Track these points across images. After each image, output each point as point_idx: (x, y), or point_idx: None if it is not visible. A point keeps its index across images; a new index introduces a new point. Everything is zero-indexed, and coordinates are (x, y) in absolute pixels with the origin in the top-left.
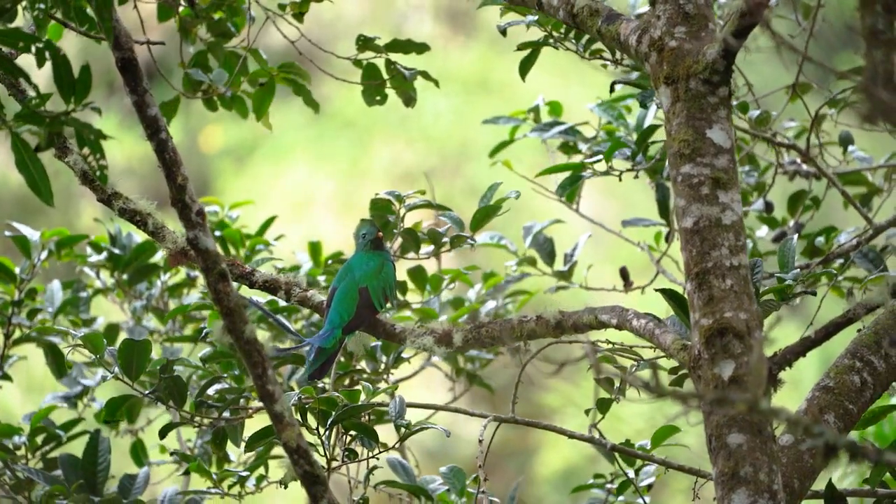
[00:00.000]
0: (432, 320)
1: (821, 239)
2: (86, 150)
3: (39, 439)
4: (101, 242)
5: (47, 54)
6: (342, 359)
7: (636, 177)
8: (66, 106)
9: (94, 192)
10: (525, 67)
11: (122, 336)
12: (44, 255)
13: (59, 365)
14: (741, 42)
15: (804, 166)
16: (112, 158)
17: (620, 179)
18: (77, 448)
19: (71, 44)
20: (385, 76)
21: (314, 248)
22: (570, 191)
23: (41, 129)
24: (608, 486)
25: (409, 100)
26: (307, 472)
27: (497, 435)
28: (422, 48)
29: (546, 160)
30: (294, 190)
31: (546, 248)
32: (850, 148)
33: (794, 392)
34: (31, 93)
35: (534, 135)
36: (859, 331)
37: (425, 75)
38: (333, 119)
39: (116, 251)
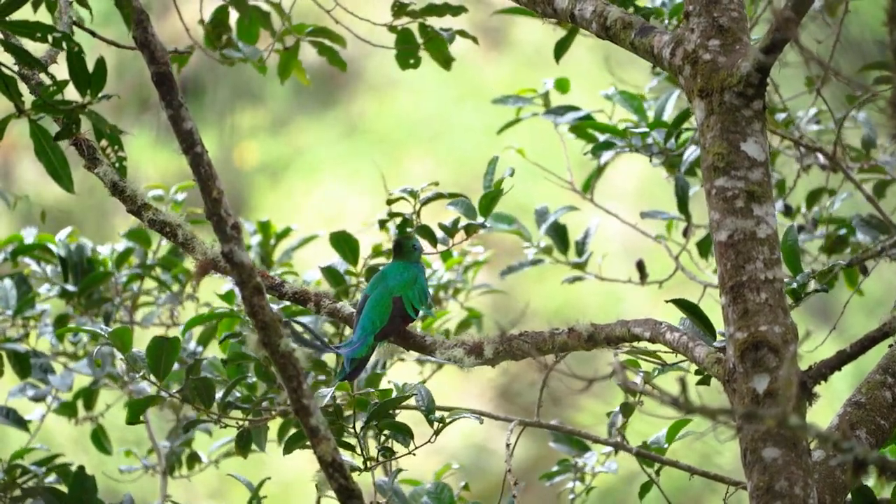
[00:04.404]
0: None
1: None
2: (104, 143)
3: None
4: (50, 258)
5: (64, 44)
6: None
7: (663, 162)
8: (81, 99)
9: (124, 204)
10: (560, 50)
11: (72, 323)
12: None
13: (22, 367)
14: (773, 58)
15: (821, 159)
16: (146, 174)
17: (651, 160)
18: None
19: (106, 60)
20: (419, 40)
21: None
22: (586, 181)
23: (61, 118)
24: (575, 460)
25: (447, 61)
26: (342, 486)
27: (532, 452)
28: (458, 10)
29: (558, 147)
30: (327, 205)
31: (560, 235)
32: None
33: (830, 406)
34: (48, 82)
35: (548, 118)
36: (891, 346)
37: (463, 34)
38: (366, 135)
39: (69, 287)
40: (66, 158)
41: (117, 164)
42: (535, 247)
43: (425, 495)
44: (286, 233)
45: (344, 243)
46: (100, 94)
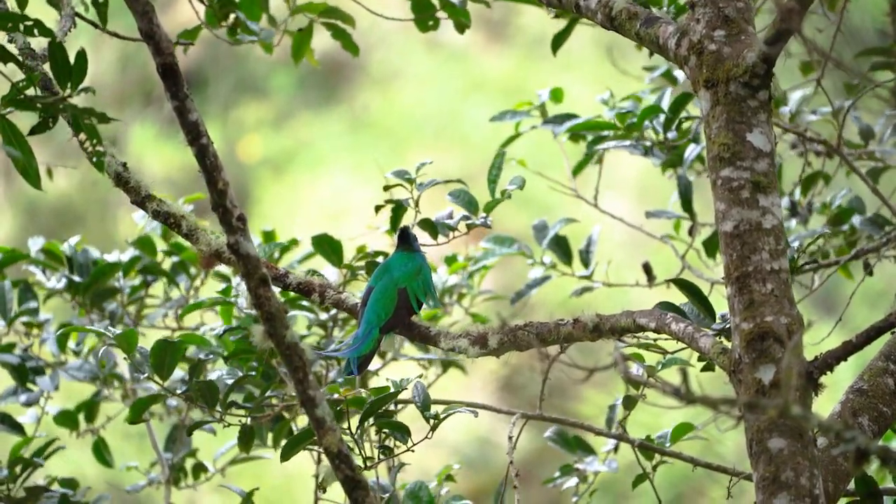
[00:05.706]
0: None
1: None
2: (83, 136)
3: (18, 468)
4: (57, 264)
5: (36, 32)
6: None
7: (667, 152)
8: (62, 92)
9: (129, 195)
10: (558, 42)
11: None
12: None
13: (21, 376)
14: (778, 48)
15: (816, 146)
16: (150, 168)
17: (652, 150)
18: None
19: (108, 54)
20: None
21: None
22: (583, 162)
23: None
24: (577, 465)
25: (462, 27)
26: (348, 477)
27: (535, 446)
28: None
29: (558, 154)
30: (331, 198)
31: (561, 247)
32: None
33: (833, 394)
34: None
35: (546, 127)
36: (893, 333)
37: None
38: (370, 128)
39: (76, 278)
40: (33, 155)
41: (94, 159)
42: (539, 264)
43: (406, 498)
44: (289, 247)
45: (326, 245)
46: (79, 87)
